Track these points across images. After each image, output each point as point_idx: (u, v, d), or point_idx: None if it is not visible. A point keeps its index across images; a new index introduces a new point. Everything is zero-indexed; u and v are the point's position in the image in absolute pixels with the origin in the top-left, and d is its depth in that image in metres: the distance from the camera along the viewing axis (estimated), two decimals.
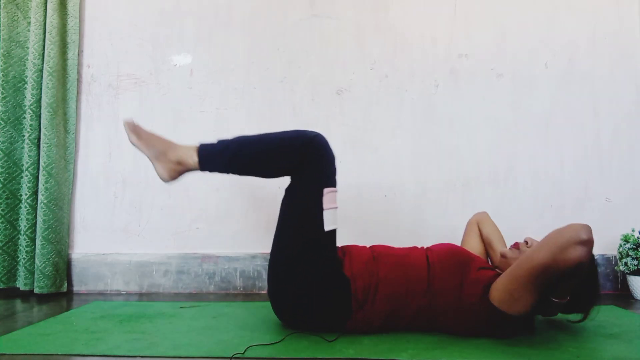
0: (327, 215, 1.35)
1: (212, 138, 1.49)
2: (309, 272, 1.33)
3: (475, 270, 1.32)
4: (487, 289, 1.26)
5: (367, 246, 1.49)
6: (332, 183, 1.40)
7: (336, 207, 1.39)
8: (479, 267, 1.34)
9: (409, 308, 1.32)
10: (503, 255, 1.40)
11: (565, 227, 1.14)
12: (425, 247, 1.46)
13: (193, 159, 1.45)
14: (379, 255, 1.39)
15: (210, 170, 1.46)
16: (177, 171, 1.49)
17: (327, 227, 1.35)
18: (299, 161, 1.37)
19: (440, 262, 1.35)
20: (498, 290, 1.23)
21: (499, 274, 1.33)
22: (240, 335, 1.35)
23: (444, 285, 1.31)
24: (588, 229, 1.12)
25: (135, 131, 1.50)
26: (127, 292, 2.10)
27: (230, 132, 2.13)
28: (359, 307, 1.33)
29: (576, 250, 1.10)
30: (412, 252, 1.41)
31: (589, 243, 1.11)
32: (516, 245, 1.40)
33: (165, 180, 1.50)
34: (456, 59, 2.15)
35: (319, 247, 1.35)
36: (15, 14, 2.12)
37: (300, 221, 1.36)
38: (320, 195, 1.36)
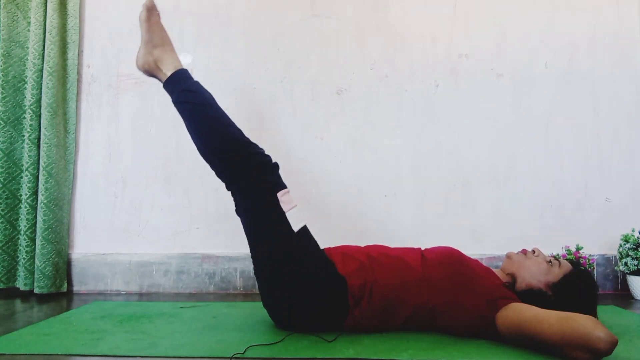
0: (290, 216, 1.36)
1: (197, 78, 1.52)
2: (297, 275, 1.33)
3: (475, 275, 1.32)
4: (491, 305, 1.25)
5: (362, 246, 1.48)
6: (282, 185, 1.41)
7: (296, 205, 1.39)
8: (480, 273, 1.34)
9: (406, 307, 1.32)
10: (509, 257, 1.40)
11: (595, 325, 1.03)
12: (421, 249, 1.46)
13: (167, 71, 1.50)
14: (374, 255, 1.39)
15: (167, 93, 1.51)
16: (151, 68, 1.53)
17: (296, 227, 1.35)
18: (233, 167, 1.38)
19: (438, 263, 1.35)
20: (503, 324, 1.22)
21: (500, 285, 1.32)
22: (240, 335, 1.35)
23: (441, 287, 1.31)
24: (613, 343, 1.01)
25: (150, 11, 1.52)
26: (127, 292, 2.10)
27: None
28: (356, 305, 1.32)
29: (584, 355, 1.03)
30: (407, 253, 1.41)
31: (602, 355, 1.02)
32: (524, 252, 1.40)
33: (137, 66, 1.55)
34: (456, 59, 2.15)
35: (298, 249, 1.35)
36: (15, 14, 2.12)
37: (269, 233, 1.36)
38: (277, 201, 1.36)
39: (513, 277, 1.36)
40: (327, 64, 2.16)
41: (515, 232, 2.09)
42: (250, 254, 1.43)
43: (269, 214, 1.36)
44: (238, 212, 1.43)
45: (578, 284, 1.30)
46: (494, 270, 1.42)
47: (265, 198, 1.37)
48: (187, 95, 1.45)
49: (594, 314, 1.29)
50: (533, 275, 1.33)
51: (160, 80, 1.53)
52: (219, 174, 1.44)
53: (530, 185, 2.11)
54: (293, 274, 1.33)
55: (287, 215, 1.35)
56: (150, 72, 1.55)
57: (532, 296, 1.30)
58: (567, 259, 1.39)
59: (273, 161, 1.44)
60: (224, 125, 1.43)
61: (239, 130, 1.44)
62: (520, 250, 1.42)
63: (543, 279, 1.32)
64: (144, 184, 2.16)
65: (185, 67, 1.56)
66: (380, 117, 2.15)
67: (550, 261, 1.35)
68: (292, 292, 1.33)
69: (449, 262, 1.36)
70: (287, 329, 1.39)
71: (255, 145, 1.44)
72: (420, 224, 2.11)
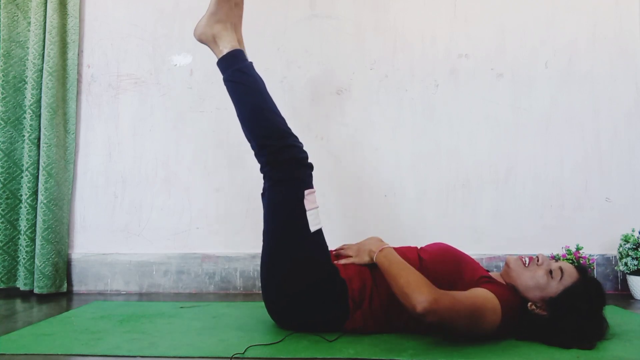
0: (310, 216, 1.36)
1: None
2: (303, 275, 1.33)
3: (469, 272, 1.32)
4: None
5: None
6: (310, 184, 1.41)
7: (318, 207, 1.40)
8: (474, 271, 1.33)
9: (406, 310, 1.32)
10: (507, 265, 1.34)
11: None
12: (418, 247, 1.46)
13: (223, 49, 1.50)
14: None
15: (220, 69, 1.51)
16: (208, 41, 1.54)
17: (313, 228, 1.36)
18: (273, 157, 1.38)
19: (432, 262, 1.34)
20: None
21: (483, 277, 1.30)
22: (240, 335, 1.35)
23: (437, 285, 1.30)
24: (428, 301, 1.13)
25: None
26: (127, 292, 2.10)
27: (230, 132, 2.13)
28: (357, 308, 1.33)
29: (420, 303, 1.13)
30: (405, 253, 1.40)
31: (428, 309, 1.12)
32: (530, 259, 1.31)
33: (194, 34, 1.56)
34: (456, 59, 2.15)
35: (309, 250, 1.35)
36: (15, 14, 2.12)
37: (286, 226, 1.37)
38: (302, 198, 1.36)
39: (513, 286, 1.30)
40: (327, 64, 2.16)
41: (515, 232, 2.09)
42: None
43: (291, 208, 1.36)
44: (263, 196, 1.43)
45: (579, 301, 1.21)
46: (494, 273, 1.40)
47: (292, 192, 1.37)
48: (239, 75, 1.46)
49: (594, 336, 1.23)
50: (528, 289, 1.26)
51: (215, 54, 1.54)
52: (256, 155, 1.45)
53: (530, 185, 2.11)
54: (297, 270, 1.33)
55: (307, 214, 1.36)
56: (205, 44, 1.55)
57: (527, 314, 1.26)
58: (577, 266, 1.29)
59: (309, 160, 1.44)
60: (269, 111, 1.44)
61: (283, 120, 1.46)
62: (527, 256, 1.33)
63: (539, 294, 1.25)
64: (144, 184, 2.16)
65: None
66: (380, 117, 2.15)
67: (552, 271, 1.26)
68: (294, 293, 1.33)
69: (441, 256, 1.36)
70: (287, 328, 1.39)
71: (296, 139, 1.44)
72: (420, 224, 2.11)
